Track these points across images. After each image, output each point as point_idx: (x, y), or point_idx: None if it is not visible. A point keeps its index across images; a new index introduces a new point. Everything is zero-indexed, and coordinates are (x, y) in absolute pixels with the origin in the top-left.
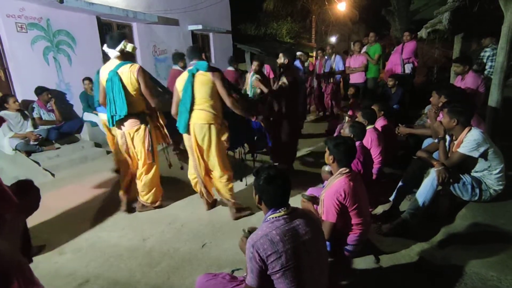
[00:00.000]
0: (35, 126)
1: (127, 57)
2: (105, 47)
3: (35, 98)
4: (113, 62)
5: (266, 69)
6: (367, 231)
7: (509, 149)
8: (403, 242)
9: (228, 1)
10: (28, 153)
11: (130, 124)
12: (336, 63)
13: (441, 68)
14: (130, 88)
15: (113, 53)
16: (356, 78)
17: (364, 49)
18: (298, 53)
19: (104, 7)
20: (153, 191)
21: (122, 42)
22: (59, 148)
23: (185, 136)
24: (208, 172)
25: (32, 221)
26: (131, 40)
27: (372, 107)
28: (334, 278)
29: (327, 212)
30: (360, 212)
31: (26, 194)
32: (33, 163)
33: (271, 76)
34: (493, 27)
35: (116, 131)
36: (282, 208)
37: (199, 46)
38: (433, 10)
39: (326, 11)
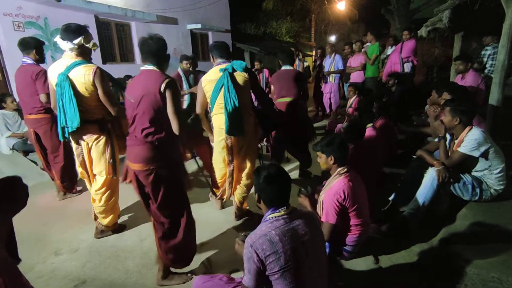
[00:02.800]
0: None
1: (84, 54)
2: (57, 39)
3: None
4: (64, 61)
5: (265, 73)
6: (367, 232)
7: (510, 148)
8: (402, 243)
9: (227, 0)
10: (26, 153)
11: (89, 133)
12: (336, 62)
13: (441, 68)
14: (86, 94)
15: (67, 45)
16: (355, 77)
17: (364, 48)
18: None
19: (102, 6)
20: (114, 211)
21: (82, 36)
22: None
23: (220, 143)
24: (238, 177)
25: (29, 221)
26: (130, 39)
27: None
28: (333, 279)
29: (326, 214)
30: (359, 212)
31: (12, 192)
32: (31, 162)
33: (270, 79)
34: (494, 25)
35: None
36: (282, 208)
37: (228, 46)
38: (433, 9)
39: (326, 11)
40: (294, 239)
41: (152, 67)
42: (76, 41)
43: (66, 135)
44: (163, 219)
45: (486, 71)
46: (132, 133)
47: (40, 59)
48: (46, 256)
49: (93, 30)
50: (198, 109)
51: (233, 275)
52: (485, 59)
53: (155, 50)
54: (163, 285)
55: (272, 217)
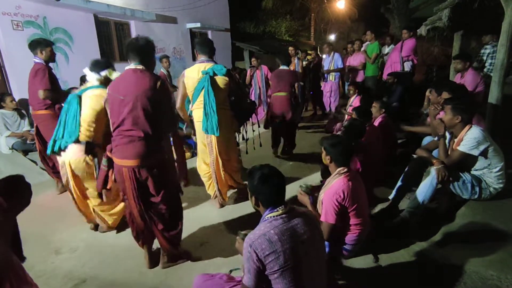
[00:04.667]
0: (32, 125)
1: (106, 83)
2: (86, 70)
3: None
4: (86, 85)
5: (264, 70)
6: (366, 231)
7: (509, 147)
8: (402, 241)
9: None
10: (25, 152)
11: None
12: (335, 60)
13: (440, 67)
14: (94, 113)
15: (95, 76)
16: (356, 76)
17: (364, 47)
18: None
19: (101, 4)
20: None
21: (108, 69)
22: None
23: (202, 135)
24: (224, 167)
25: (29, 220)
26: (129, 38)
27: (373, 104)
28: (333, 278)
29: (326, 213)
30: (359, 212)
31: (16, 190)
32: (30, 162)
33: (269, 76)
34: (493, 24)
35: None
36: (280, 207)
37: (212, 43)
38: (433, 7)
39: (325, 9)
40: (293, 238)
41: (140, 66)
42: (103, 73)
43: (56, 148)
44: (165, 210)
45: (485, 70)
46: (123, 131)
47: (48, 58)
48: (46, 256)
49: (92, 29)
50: (178, 101)
51: (233, 274)
52: (484, 58)
53: (141, 49)
54: (170, 266)
55: (271, 217)
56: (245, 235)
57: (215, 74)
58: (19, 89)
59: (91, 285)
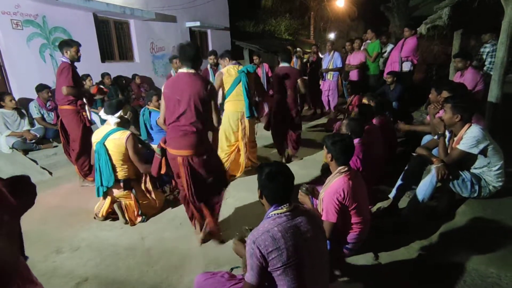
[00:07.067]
0: (32, 124)
1: (123, 123)
2: (102, 113)
3: (31, 96)
4: (105, 128)
5: (265, 67)
6: (367, 230)
7: (509, 145)
8: (402, 239)
9: None
10: (26, 152)
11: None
12: (335, 60)
13: (440, 65)
14: (119, 153)
15: (112, 120)
16: (354, 75)
17: (364, 46)
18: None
19: (100, 3)
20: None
21: (121, 110)
22: (56, 146)
23: (235, 122)
24: (248, 147)
25: (30, 219)
26: (128, 37)
27: (372, 104)
28: (334, 276)
29: (326, 212)
30: (359, 210)
31: (22, 191)
32: (31, 161)
33: (270, 74)
34: (493, 22)
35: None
36: (285, 205)
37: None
38: (432, 6)
39: (325, 8)
40: (297, 236)
41: (191, 70)
42: (117, 114)
43: (101, 194)
44: (219, 188)
45: (485, 68)
46: (178, 126)
47: (72, 58)
48: (47, 255)
49: (91, 28)
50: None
51: (234, 272)
52: (484, 57)
53: (192, 57)
54: (208, 239)
55: (275, 214)
56: (242, 235)
57: (248, 72)
58: (18, 88)
59: (93, 284)
